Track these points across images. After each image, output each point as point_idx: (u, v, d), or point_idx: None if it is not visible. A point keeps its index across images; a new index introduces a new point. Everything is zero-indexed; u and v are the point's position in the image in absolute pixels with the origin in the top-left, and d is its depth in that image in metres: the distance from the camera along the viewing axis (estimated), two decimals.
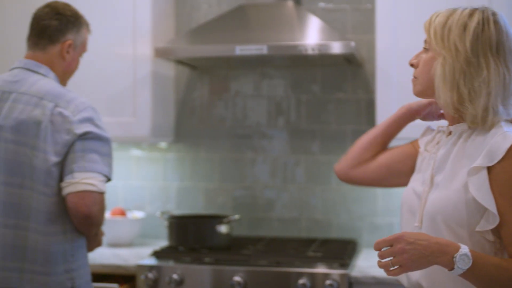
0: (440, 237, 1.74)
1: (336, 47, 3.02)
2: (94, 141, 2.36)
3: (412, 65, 1.91)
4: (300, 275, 2.86)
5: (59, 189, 2.33)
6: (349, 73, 3.51)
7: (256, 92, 3.62)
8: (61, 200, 2.34)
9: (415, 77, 1.90)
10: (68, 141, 2.33)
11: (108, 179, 2.39)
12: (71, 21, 2.53)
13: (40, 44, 2.50)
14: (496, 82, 1.77)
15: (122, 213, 3.53)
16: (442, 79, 1.80)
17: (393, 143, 2.23)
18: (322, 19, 3.45)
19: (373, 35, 3.32)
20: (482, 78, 1.76)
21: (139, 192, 3.74)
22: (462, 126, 1.84)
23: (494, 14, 1.83)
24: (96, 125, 2.39)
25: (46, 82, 2.44)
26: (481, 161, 1.72)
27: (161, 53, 3.21)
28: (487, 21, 1.80)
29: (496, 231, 1.73)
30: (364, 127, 3.44)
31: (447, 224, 1.76)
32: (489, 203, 1.71)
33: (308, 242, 3.39)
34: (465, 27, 1.79)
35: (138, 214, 3.60)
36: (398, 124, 2.18)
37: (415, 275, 1.84)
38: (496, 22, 1.81)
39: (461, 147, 1.82)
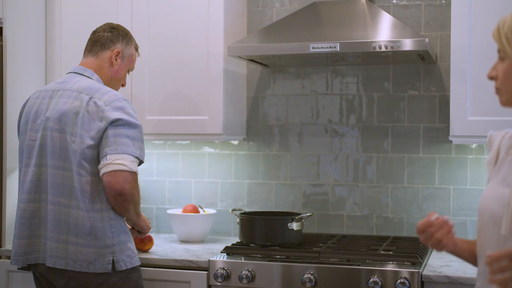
0: None
1: (409, 44, 2.98)
2: (125, 127, 2.66)
3: (491, 78, 1.83)
4: (371, 272, 2.84)
5: (94, 171, 2.67)
6: (422, 70, 3.47)
7: (328, 89, 3.62)
8: (98, 181, 2.67)
9: (498, 89, 1.82)
10: (101, 127, 2.65)
11: (140, 161, 2.70)
12: (121, 34, 2.95)
13: (93, 50, 2.91)
14: None
15: (195, 209, 3.58)
16: None
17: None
18: (395, 16, 3.43)
19: (448, 31, 3.27)
20: None
21: (211, 189, 3.78)
22: None
23: None
24: (127, 113, 2.70)
25: (87, 81, 2.81)
26: None
27: (233, 52, 3.24)
28: None
29: None
30: (437, 125, 3.39)
31: None
32: None
33: (379, 240, 3.37)
34: None
35: (210, 211, 3.64)
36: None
37: None
38: None
39: None
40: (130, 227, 2.94)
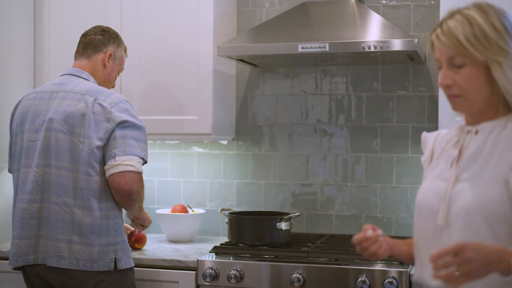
0: (476, 234, 1.76)
1: (398, 44, 2.99)
2: (131, 128, 2.75)
3: (447, 86, 1.85)
4: (360, 272, 2.85)
5: (101, 171, 2.73)
6: (411, 70, 3.48)
7: (317, 89, 3.62)
8: (104, 180, 2.74)
9: (458, 96, 1.85)
10: (108, 128, 2.72)
11: (145, 162, 2.79)
12: (112, 37, 3.00)
13: (85, 53, 2.95)
14: None
15: (183, 209, 3.57)
16: (508, 82, 1.80)
17: None
18: (384, 16, 3.44)
19: None
20: None
21: (200, 189, 3.78)
22: (492, 124, 1.86)
23: (491, 3, 1.86)
24: (132, 115, 2.78)
25: (87, 83, 2.86)
26: None
27: (223, 52, 3.24)
28: (501, 13, 1.83)
29: None
30: (425, 125, 3.41)
31: (487, 221, 1.77)
32: None
33: None
34: (494, 26, 1.80)
35: (199, 211, 3.64)
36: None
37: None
38: (504, 13, 1.84)
39: (494, 143, 1.83)
40: (131, 220, 3.03)
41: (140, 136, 2.77)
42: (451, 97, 1.86)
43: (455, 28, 1.80)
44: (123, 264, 2.77)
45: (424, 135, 2.11)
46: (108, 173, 2.71)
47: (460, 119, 2.01)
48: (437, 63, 1.89)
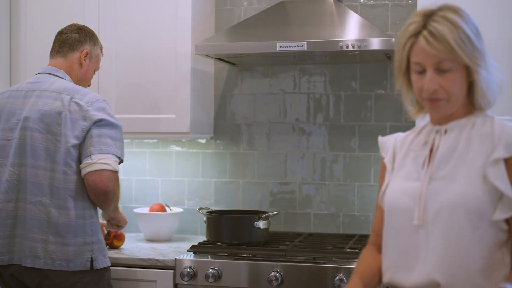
0: (457, 231, 1.80)
1: (376, 44, 3.00)
2: (108, 127, 2.73)
3: (435, 91, 1.84)
4: (337, 270, 2.85)
5: (78, 169, 2.71)
6: (388, 70, 3.49)
7: (295, 88, 3.63)
8: (80, 179, 2.72)
9: (441, 99, 1.85)
10: (85, 126, 2.71)
11: (121, 161, 2.77)
12: (89, 35, 2.98)
13: (61, 52, 2.92)
14: (494, 68, 1.88)
15: (162, 208, 3.56)
16: (487, 86, 1.85)
17: None
18: (362, 15, 3.44)
19: None
20: (497, 69, 1.87)
21: (178, 187, 3.77)
22: (460, 123, 1.89)
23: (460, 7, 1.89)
24: (109, 114, 2.77)
25: (63, 82, 2.84)
26: (500, 152, 1.79)
27: (201, 50, 3.23)
28: (469, 16, 1.86)
29: (508, 220, 1.81)
30: (403, 124, 3.43)
31: (469, 217, 1.79)
32: (508, 190, 1.78)
33: (346, 238, 3.38)
34: (471, 29, 1.82)
35: (177, 210, 3.63)
36: None
37: (425, 271, 1.84)
38: (469, 15, 1.87)
39: (466, 141, 1.86)
40: (107, 221, 3.01)
41: (116, 135, 2.76)
42: (434, 101, 1.86)
43: (445, 33, 1.80)
44: (99, 264, 2.75)
45: (381, 138, 2.12)
46: (84, 172, 2.70)
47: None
48: (416, 67, 1.86)
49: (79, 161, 2.73)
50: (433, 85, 1.83)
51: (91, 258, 2.73)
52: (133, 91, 3.43)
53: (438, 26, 1.81)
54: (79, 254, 2.71)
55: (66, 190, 2.70)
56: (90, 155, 2.68)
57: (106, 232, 3.23)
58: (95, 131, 2.71)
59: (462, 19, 1.82)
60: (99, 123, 2.72)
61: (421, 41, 1.82)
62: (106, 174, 2.69)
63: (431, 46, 1.80)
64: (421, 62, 1.84)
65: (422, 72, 1.85)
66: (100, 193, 2.71)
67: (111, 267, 2.91)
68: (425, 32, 1.82)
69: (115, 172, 2.73)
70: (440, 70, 1.83)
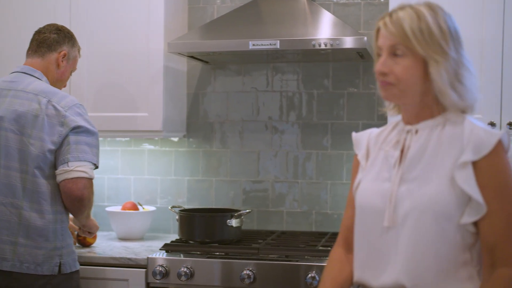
0: (425, 233, 1.80)
1: (349, 42, 3.01)
2: (85, 134, 2.72)
3: (382, 73, 1.87)
4: (310, 268, 2.86)
5: (51, 174, 2.70)
6: (361, 68, 3.51)
7: (268, 86, 3.63)
8: (54, 184, 2.71)
9: (391, 84, 1.87)
10: (62, 132, 2.69)
11: (96, 167, 2.76)
12: (67, 36, 2.94)
13: (39, 52, 2.88)
14: (472, 71, 1.87)
15: (134, 207, 3.55)
16: (442, 82, 1.83)
17: None
18: (335, 14, 3.46)
19: None
20: (469, 71, 1.85)
21: (151, 186, 3.76)
22: (431, 123, 1.89)
23: (440, 6, 1.89)
24: (86, 120, 2.75)
25: (40, 83, 2.81)
26: (468, 155, 1.79)
27: (173, 48, 3.22)
28: (449, 16, 1.87)
29: (476, 222, 1.80)
30: (375, 122, 3.44)
31: (437, 220, 1.79)
32: (476, 194, 1.77)
33: (318, 236, 3.39)
34: (439, 25, 1.83)
35: (149, 208, 3.62)
36: None
37: (394, 273, 1.84)
38: (450, 17, 1.88)
39: (436, 142, 1.86)
40: (79, 228, 3.02)
41: (93, 142, 2.75)
42: (383, 83, 1.88)
43: (403, 19, 1.83)
44: (68, 268, 2.74)
45: (355, 134, 2.11)
46: (60, 178, 2.68)
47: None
48: (377, 50, 1.90)
49: (54, 166, 2.70)
50: (381, 68, 1.86)
51: (60, 263, 2.71)
52: (106, 89, 3.41)
53: (401, 12, 1.85)
54: (49, 258, 2.69)
55: (39, 193, 2.68)
56: (67, 162, 2.67)
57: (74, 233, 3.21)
58: (72, 138, 2.69)
59: (432, 14, 1.84)
60: (76, 129, 2.70)
61: (380, 24, 1.88)
62: (82, 182, 2.68)
63: (386, 28, 1.85)
64: (380, 46, 1.88)
65: (380, 56, 1.89)
66: (75, 200, 2.70)
67: (83, 266, 2.89)
68: (386, 17, 1.87)
69: (91, 180, 2.72)
70: (393, 55, 1.85)
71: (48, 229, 2.69)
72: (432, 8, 1.86)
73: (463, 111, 1.88)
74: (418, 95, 1.87)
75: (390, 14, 1.87)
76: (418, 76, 1.84)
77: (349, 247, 2.07)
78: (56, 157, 2.70)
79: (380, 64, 1.87)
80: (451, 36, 1.84)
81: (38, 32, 2.93)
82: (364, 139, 2.07)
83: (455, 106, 1.86)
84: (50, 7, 3.43)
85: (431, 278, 1.80)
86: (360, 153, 2.06)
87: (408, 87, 1.85)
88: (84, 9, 3.41)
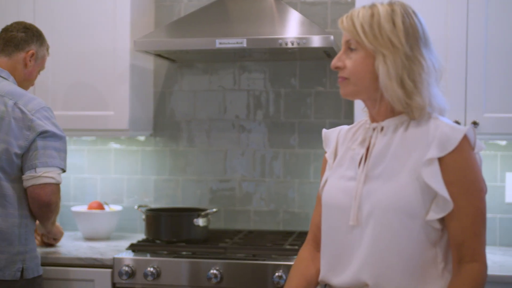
0: (389, 232, 1.80)
1: (316, 41, 3.02)
2: (52, 139, 2.67)
3: (337, 68, 1.90)
4: (277, 267, 2.86)
5: (18, 178, 2.65)
6: (328, 67, 3.51)
7: (235, 85, 3.62)
8: (19, 188, 2.66)
9: (345, 78, 1.89)
10: (29, 137, 2.64)
11: (64, 171, 2.73)
12: (36, 35, 2.88)
13: (6, 51, 2.82)
14: (431, 72, 1.84)
15: (100, 206, 3.52)
16: (387, 77, 1.82)
17: None
18: (302, 13, 3.46)
19: None
20: (423, 69, 1.82)
21: (117, 185, 3.73)
22: (395, 120, 1.88)
23: (408, 5, 1.89)
24: (53, 124, 2.70)
25: (7, 83, 2.74)
26: (433, 152, 1.78)
27: (140, 46, 3.19)
28: (410, 14, 1.87)
29: (441, 219, 1.81)
30: (342, 121, 3.45)
31: (399, 218, 1.80)
32: (442, 191, 1.77)
33: (286, 235, 3.39)
34: (393, 22, 1.83)
35: (115, 208, 3.59)
36: None
37: (354, 270, 1.85)
38: (415, 14, 1.88)
39: (401, 140, 1.86)
40: (43, 234, 3.02)
41: (61, 146, 2.71)
42: (340, 79, 1.90)
43: (357, 15, 1.86)
44: (30, 274, 2.70)
45: (326, 132, 2.11)
46: (27, 184, 2.65)
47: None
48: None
49: (20, 170, 2.67)
50: (335, 62, 1.89)
51: (22, 268, 2.67)
52: (71, 87, 3.38)
53: (359, 10, 1.87)
54: (11, 263, 2.64)
55: (4, 196, 2.64)
56: (35, 168, 2.63)
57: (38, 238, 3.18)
58: (40, 143, 2.65)
59: (388, 10, 1.84)
60: (44, 134, 2.65)
61: (339, 21, 1.91)
62: (50, 188, 2.65)
63: (342, 25, 1.88)
64: (342, 41, 1.92)
65: None
66: (42, 205, 2.67)
67: (47, 267, 2.86)
68: (346, 15, 1.90)
69: (58, 185, 2.70)
70: (349, 50, 1.87)
71: (12, 233, 2.64)
72: (391, 5, 1.86)
73: (412, 112, 1.84)
74: (372, 91, 1.87)
75: (351, 12, 1.90)
76: (367, 70, 1.85)
77: (318, 245, 2.07)
78: (23, 162, 2.66)
79: (335, 59, 1.90)
80: (406, 32, 1.83)
81: (5, 30, 2.87)
82: (333, 136, 2.07)
83: (400, 104, 1.83)
84: (13, 4, 3.38)
85: (395, 275, 1.80)
86: (329, 151, 2.06)
87: (359, 81, 1.86)
88: (48, 6, 3.37)
